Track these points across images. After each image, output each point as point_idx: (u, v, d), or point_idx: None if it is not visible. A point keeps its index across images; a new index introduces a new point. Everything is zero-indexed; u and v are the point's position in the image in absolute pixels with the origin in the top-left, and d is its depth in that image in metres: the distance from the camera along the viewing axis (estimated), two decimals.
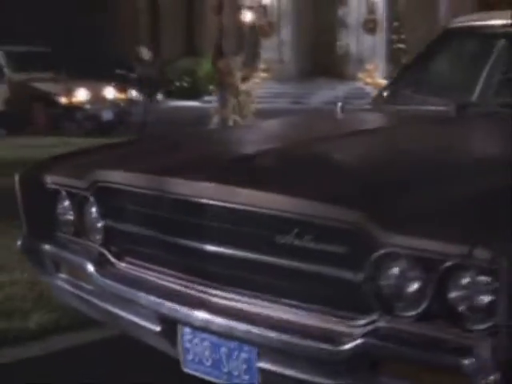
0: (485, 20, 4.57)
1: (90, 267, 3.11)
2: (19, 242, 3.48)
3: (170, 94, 28.10)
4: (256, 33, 28.43)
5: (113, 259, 3.13)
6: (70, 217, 3.32)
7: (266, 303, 2.60)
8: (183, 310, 2.75)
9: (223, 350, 2.72)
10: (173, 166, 2.96)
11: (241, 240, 2.63)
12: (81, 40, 25.93)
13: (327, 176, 2.72)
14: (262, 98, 23.11)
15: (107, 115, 17.05)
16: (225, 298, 2.70)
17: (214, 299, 2.72)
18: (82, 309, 3.35)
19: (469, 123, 3.61)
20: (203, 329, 2.72)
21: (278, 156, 3.00)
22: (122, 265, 3.12)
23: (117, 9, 30.63)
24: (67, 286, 3.33)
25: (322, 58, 27.37)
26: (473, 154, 2.88)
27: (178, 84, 28.96)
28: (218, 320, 2.65)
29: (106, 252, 3.15)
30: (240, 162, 2.87)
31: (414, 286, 2.30)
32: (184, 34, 32.31)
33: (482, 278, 2.17)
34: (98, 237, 3.19)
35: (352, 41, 27.03)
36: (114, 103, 17.41)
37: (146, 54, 19.29)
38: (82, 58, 23.12)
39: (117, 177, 3.03)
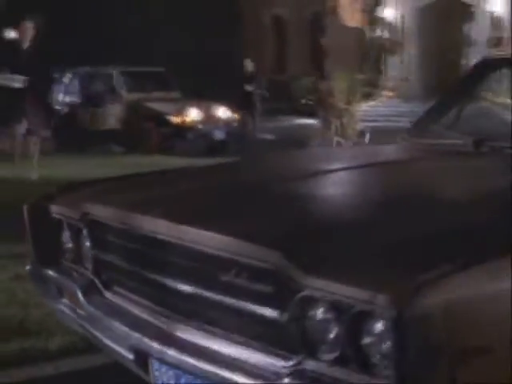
0: None
1: (80, 294, 3.28)
2: (27, 268, 3.69)
3: (296, 112, 28.36)
4: (380, 51, 28.36)
5: (101, 288, 3.28)
6: (70, 245, 3.50)
7: (211, 337, 2.67)
8: (145, 341, 2.87)
9: (183, 380, 2.82)
10: (143, 201, 3.09)
11: (189, 275, 2.73)
12: (205, 59, 26.39)
13: (262, 215, 2.77)
14: (385, 117, 22.99)
15: (219, 135, 17.14)
16: (179, 330, 2.80)
17: (169, 331, 2.82)
18: (82, 333, 3.52)
19: (469, 160, 3.55)
20: (161, 360, 2.83)
21: (228, 192, 3.08)
22: (109, 294, 3.26)
23: (242, 29, 31.09)
24: (68, 311, 3.49)
25: (446, 75, 26.93)
26: (423, 196, 2.84)
27: (303, 102, 29.20)
28: (170, 352, 2.75)
29: (96, 280, 3.31)
30: (191, 197, 2.98)
31: (332, 330, 2.33)
32: (311, 52, 32.54)
33: (386, 325, 2.18)
34: (90, 265, 3.35)
35: (478, 58, 26.46)
36: (226, 122, 17.57)
37: (249, 66, 19.39)
38: (205, 77, 23.57)
39: (96, 210, 3.19)
